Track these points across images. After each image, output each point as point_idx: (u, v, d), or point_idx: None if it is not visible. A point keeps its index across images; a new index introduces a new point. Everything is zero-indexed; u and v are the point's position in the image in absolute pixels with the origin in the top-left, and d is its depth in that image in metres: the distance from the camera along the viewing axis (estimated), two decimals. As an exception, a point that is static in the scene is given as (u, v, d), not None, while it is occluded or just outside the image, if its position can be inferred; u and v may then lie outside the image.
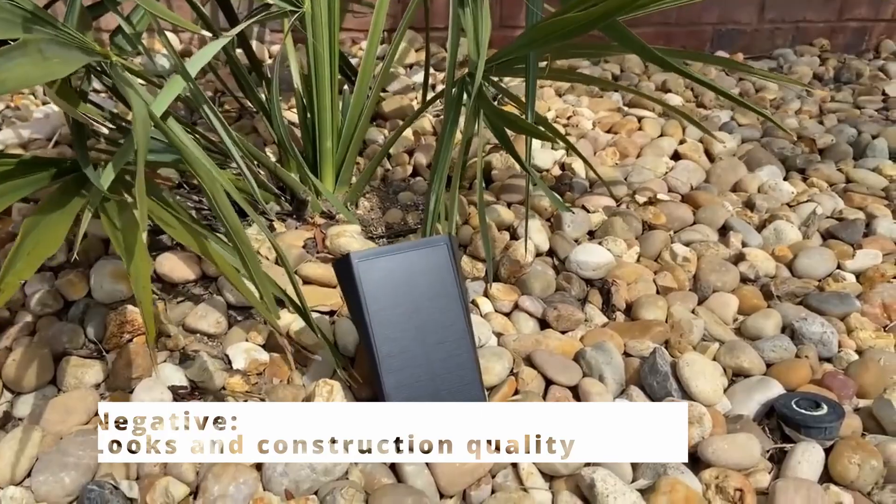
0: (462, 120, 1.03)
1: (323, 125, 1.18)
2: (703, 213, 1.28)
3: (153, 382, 0.83)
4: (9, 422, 0.81)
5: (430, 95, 1.42)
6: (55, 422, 0.78)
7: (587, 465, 0.75)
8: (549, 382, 0.87)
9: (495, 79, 1.13)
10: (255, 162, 1.15)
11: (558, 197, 1.19)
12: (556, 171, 1.42)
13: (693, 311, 1.02)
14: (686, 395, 0.84)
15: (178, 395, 0.84)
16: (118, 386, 0.84)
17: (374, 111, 1.59)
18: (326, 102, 1.16)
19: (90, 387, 0.84)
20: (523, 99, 1.01)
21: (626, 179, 1.39)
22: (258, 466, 0.74)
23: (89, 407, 0.81)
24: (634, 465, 0.76)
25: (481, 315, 0.99)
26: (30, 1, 0.73)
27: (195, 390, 0.86)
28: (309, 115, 1.20)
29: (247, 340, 0.93)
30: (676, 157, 1.51)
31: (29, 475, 0.74)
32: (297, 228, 1.16)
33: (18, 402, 0.82)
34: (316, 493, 0.72)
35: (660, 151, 1.50)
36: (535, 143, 1.48)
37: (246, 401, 0.84)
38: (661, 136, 1.59)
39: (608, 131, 1.62)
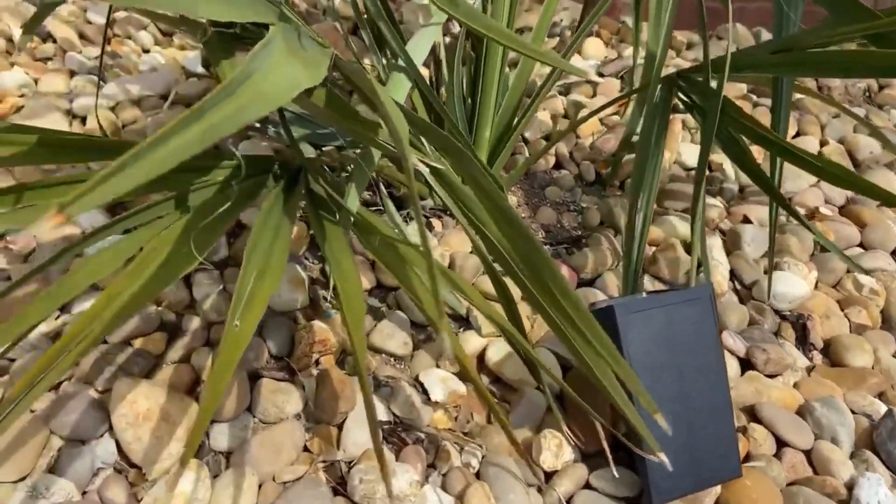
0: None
1: (484, 110, 1.07)
2: (870, 233, 1.19)
3: (361, 417, 0.76)
4: (206, 455, 0.73)
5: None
6: (265, 461, 0.71)
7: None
8: (780, 444, 0.80)
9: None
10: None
11: (851, 259, 1.06)
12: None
13: (895, 356, 0.96)
14: (933, 469, 0.78)
15: (384, 431, 0.77)
16: (321, 419, 0.76)
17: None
18: (493, 82, 1.03)
19: (292, 417, 0.76)
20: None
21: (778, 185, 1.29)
22: (503, 534, 0.67)
23: (297, 443, 0.73)
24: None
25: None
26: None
27: (399, 425, 0.78)
28: (468, 100, 1.09)
29: (437, 367, 0.85)
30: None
31: (250, 527, 0.67)
32: (455, 226, 1.07)
33: (215, 433, 0.74)
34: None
35: (806, 154, 1.40)
36: (678, 135, 1.38)
37: (456, 442, 0.77)
38: (798, 134, 1.48)
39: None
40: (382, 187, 0.94)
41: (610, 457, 0.69)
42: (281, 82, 0.42)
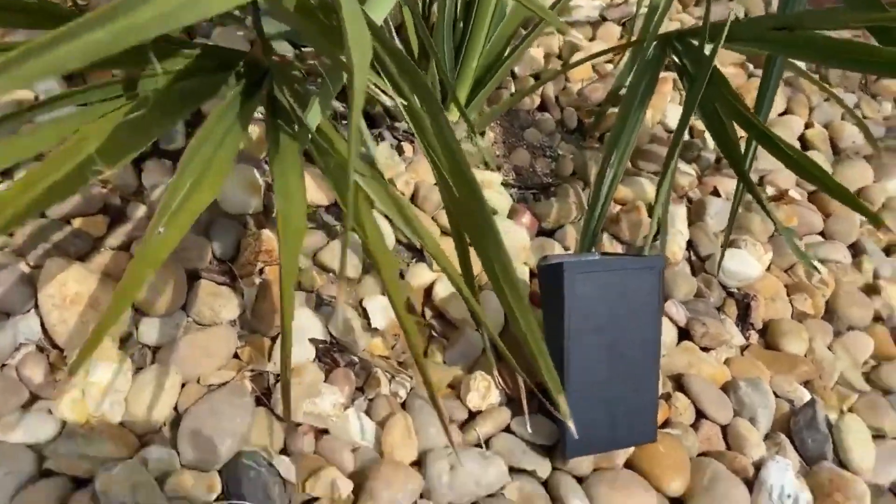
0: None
1: (475, 38, 1.02)
2: (834, 223, 1.20)
3: (297, 332, 0.75)
4: (133, 347, 0.72)
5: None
6: (192, 362, 0.70)
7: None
8: (699, 415, 0.82)
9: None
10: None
11: (804, 253, 1.05)
12: (685, 137, 1.30)
13: (829, 348, 0.98)
14: (840, 460, 0.81)
15: (318, 349, 0.77)
16: (257, 329, 0.76)
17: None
18: (488, 6, 0.98)
19: (227, 323, 0.75)
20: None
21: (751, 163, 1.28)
22: (417, 465, 0.69)
23: (228, 349, 0.73)
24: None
25: (626, 312, 0.92)
26: None
27: (335, 346, 0.78)
28: (461, 24, 1.04)
29: (383, 294, 0.84)
30: (802, 142, 1.40)
31: (166, 426, 0.67)
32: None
33: (144, 327, 0.72)
34: (474, 505, 0.68)
35: (789, 133, 1.38)
36: (667, 96, 1.35)
37: (388, 371, 0.78)
38: (786, 112, 1.46)
39: (732, 91, 1.48)
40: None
41: (526, 409, 0.70)
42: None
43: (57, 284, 0.68)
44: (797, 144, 1.36)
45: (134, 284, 0.44)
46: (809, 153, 1.34)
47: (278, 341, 0.75)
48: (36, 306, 0.69)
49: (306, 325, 0.77)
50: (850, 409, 0.90)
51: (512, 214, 0.97)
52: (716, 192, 1.15)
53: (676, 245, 1.00)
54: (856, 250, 1.16)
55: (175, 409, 0.68)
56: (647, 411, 0.72)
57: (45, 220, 0.76)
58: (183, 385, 0.69)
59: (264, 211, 0.86)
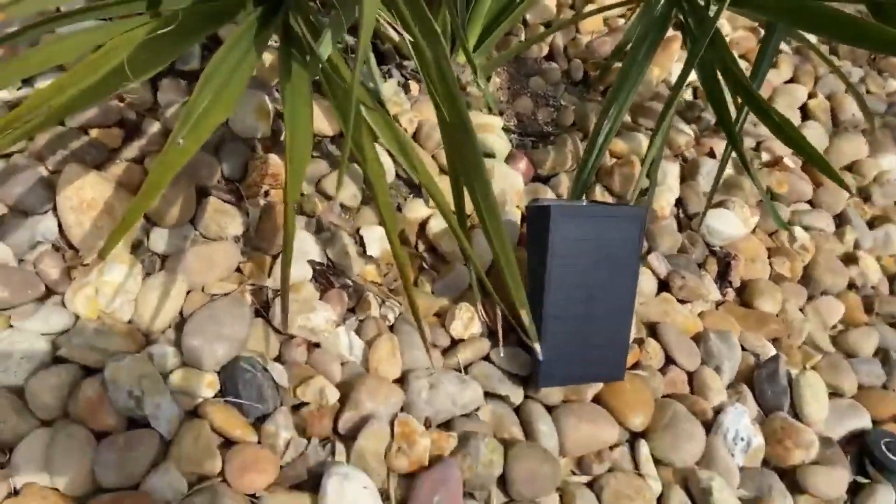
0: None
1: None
2: (823, 193, 1.23)
3: (296, 252, 0.80)
4: (144, 254, 0.77)
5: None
6: (197, 272, 0.75)
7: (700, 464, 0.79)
8: (668, 361, 0.88)
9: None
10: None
11: (781, 218, 1.08)
12: (688, 96, 1.33)
13: (801, 310, 1.03)
14: (795, 412, 0.87)
15: (315, 271, 0.81)
16: (259, 246, 0.80)
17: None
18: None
19: (231, 239, 0.80)
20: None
21: (753, 126, 1.31)
22: (400, 382, 0.74)
23: (231, 263, 0.78)
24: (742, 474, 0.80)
25: (610, 260, 0.97)
26: None
27: (331, 269, 0.83)
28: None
29: (380, 224, 0.89)
30: (804, 111, 1.42)
31: (170, 328, 0.72)
32: (432, 93, 1.07)
33: (155, 235, 0.77)
34: (446, 424, 0.74)
35: (792, 101, 1.40)
36: (674, 55, 1.36)
37: (378, 295, 0.83)
38: (792, 80, 1.47)
39: (740, 57, 1.50)
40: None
41: (501, 340, 0.75)
42: None
43: (75, 189, 0.72)
44: (798, 113, 1.38)
45: (153, 189, 0.49)
46: (809, 122, 1.37)
47: (279, 259, 0.79)
48: (54, 208, 0.74)
49: (305, 248, 0.81)
50: (814, 368, 0.96)
51: (509, 159, 1.01)
52: (711, 154, 1.18)
53: (665, 200, 1.04)
54: (841, 220, 1.20)
55: (180, 313, 0.73)
56: (618, 351, 0.78)
57: (64, 128, 0.80)
58: (188, 292, 0.74)
59: (272, 136, 0.90)
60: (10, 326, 0.67)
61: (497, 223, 0.59)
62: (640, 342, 0.88)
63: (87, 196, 0.73)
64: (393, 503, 0.67)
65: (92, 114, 0.81)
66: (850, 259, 1.13)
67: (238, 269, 0.79)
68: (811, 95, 1.44)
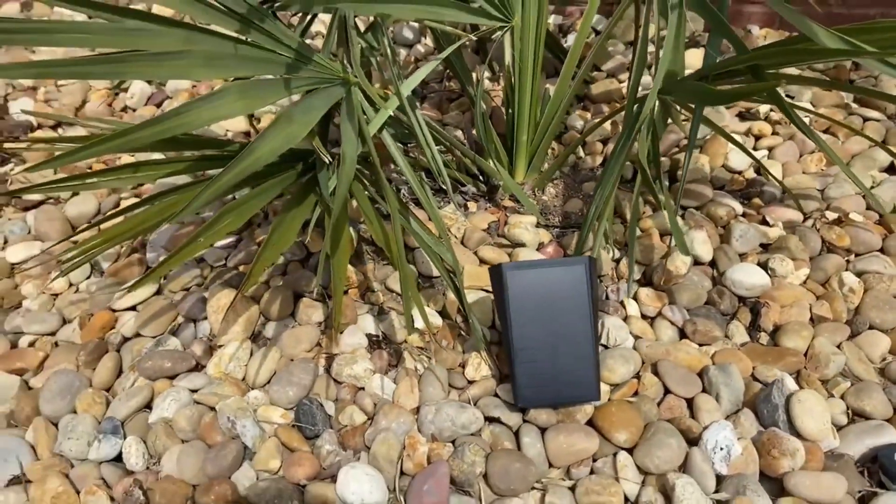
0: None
1: (521, 120, 1.34)
2: (893, 240, 1.24)
3: (356, 329, 1.11)
4: (258, 339, 1.13)
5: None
6: (289, 346, 1.09)
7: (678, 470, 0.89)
8: (667, 391, 1.00)
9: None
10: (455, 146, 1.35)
11: (683, 238, 1.13)
12: (750, 174, 1.44)
13: (839, 346, 1.06)
14: (791, 428, 0.92)
15: (370, 341, 1.11)
16: (333, 327, 1.13)
17: (582, 92, 1.70)
18: (526, 100, 1.31)
19: (315, 324, 1.13)
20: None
21: (822, 192, 1.37)
22: (416, 411, 0.98)
23: (312, 339, 1.11)
24: (719, 479, 0.88)
25: (626, 316, 1.12)
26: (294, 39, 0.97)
27: (384, 339, 1.12)
28: (510, 110, 1.37)
29: (428, 306, 1.17)
30: (892, 170, 1.43)
31: (269, 382, 1.06)
32: (486, 209, 1.36)
33: (268, 326, 1.14)
34: (453, 441, 0.95)
35: (871, 164, 1.43)
36: (727, 145, 1.49)
37: (412, 355, 1.09)
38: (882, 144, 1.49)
39: (825, 132, 1.57)
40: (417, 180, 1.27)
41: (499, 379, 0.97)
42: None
43: (216, 300, 1.13)
44: (884, 174, 1.42)
45: (257, 272, 0.87)
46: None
47: (344, 334, 1.11)
48: (205, 316, 1.14)
49: (365, 325, 1.12)
50: (842, 396, 0.99)
51: (539, 247, 1.24)
52: (764, 221, 1.29)
53: (680, 261, 1.17)
54: (905, 262, 1.20)
55: (274, 372, 1.07)
56: (587, 374, 0.93)
57: (224, 267, 1.23)
58: (280, 358, 1.08)
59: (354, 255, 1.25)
60: (172, 385, 1.05)
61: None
62: (638, 376, 1.01)
63: (222, 303, 1.13)
64: (396, 491, 0.89)
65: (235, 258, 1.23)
66: (907, 297, 1.13)
67: (318, 343, 1.12)
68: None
